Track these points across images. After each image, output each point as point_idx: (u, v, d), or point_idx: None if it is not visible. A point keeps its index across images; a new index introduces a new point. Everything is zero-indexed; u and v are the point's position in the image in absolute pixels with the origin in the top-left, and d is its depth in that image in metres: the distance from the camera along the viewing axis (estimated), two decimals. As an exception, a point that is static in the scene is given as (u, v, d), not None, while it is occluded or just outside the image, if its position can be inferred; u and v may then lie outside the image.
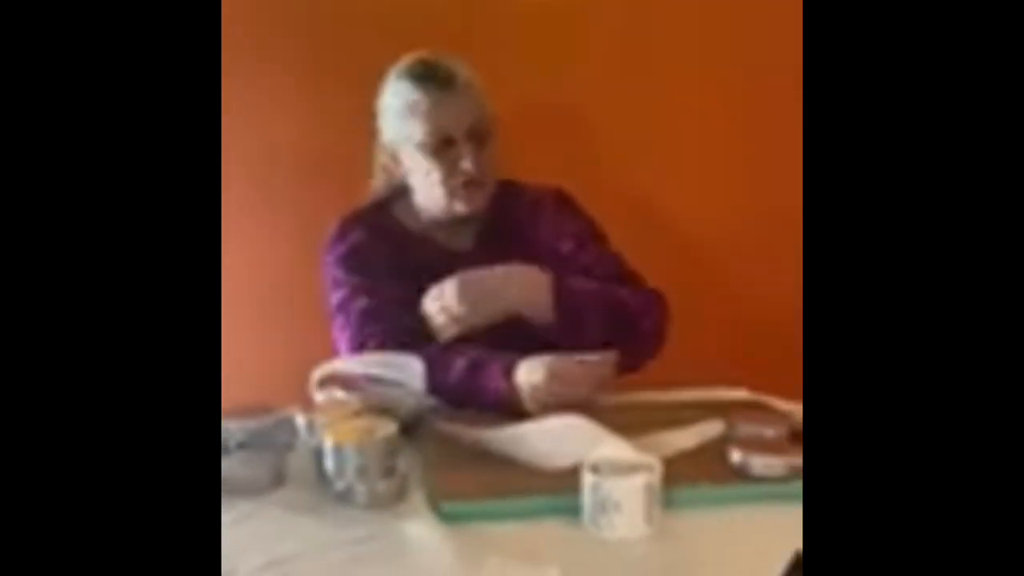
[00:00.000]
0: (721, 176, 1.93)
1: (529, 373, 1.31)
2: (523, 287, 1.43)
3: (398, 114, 1.52)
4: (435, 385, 1.35)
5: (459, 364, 1.37)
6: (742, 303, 1.70)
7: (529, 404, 1.30)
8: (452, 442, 1.24)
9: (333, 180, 1.78)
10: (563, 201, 1.64)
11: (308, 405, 1.30)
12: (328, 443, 1.13)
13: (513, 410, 1.30)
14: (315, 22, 1.82)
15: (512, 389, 1.32)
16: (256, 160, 1.85)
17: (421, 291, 1.50)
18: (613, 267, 1.57)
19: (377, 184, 1.63)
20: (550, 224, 1.61)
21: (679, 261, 1.65)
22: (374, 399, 1.27)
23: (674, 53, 1.89)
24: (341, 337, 1.50)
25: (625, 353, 1.39)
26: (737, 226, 1.94)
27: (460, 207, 1.53)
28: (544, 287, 1.43)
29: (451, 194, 1.52)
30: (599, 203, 1.66)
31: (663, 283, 1.59)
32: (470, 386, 1.36)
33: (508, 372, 1.33)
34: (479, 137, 1.51)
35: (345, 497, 1.12)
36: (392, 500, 1.12)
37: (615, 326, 1.46)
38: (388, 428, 1.15)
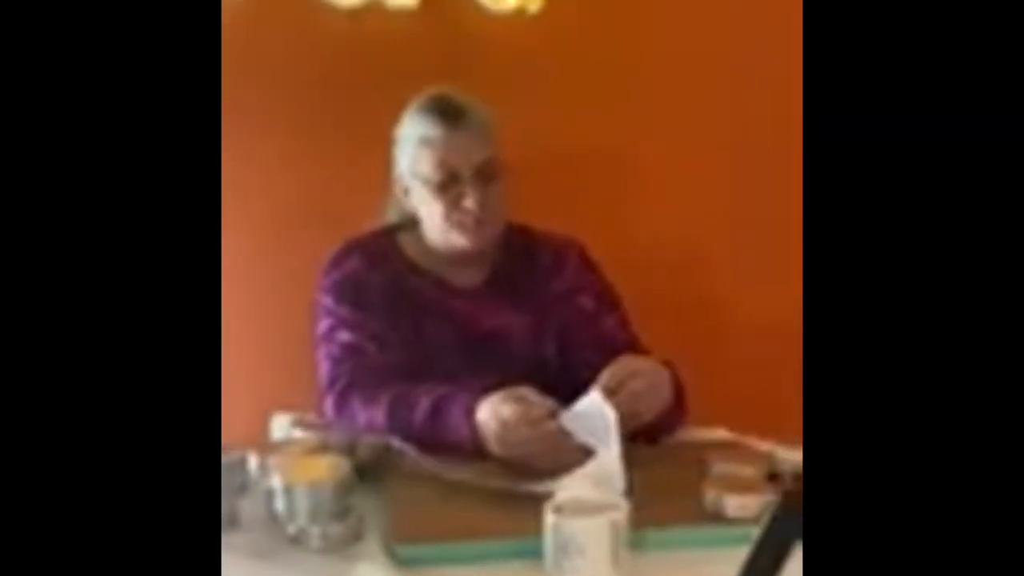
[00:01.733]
0: (702, 201, 1.91)
1: (496, 407, 1.26)
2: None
3: (409, 145, 1.51)
4: (400, 425, 1.31)
5: (423, 404, 1.34)
6: (723, 341, 1.66)
7: (492, 444, 1.26)
8: (417, 482, 1.19)
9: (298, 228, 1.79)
10: (586, 257, 1.61)
11: (265, 447, 1.25)
12: (278, 484, 1.08)
13: (477, 451, 1.26)
14: (320, 82, 1.83)
15: (474, 430, 1.28)
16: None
17: (413, 325, 1.48)
18: (629, 340, 1.51)
19: (390, 215, 1.61)
20: (572, 276, 1.57)
21: (654, 303, 1.60)
22: (333, 437, 1.22)
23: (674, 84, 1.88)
24: (321, 367, 1.48)
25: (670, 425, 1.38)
26: (722, 259, 1.91)
27: (459, 240, 1.49)
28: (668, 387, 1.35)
29: (451, 229, 1.49)
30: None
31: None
32: (434, 427, 1.32)
33: (470, 413, 1.29)
34: (486, 177, 1.48)
35: (298, 540, 1.07)
36: (347, 543, 1.07)
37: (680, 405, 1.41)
38: (342, 467, 1.10)
